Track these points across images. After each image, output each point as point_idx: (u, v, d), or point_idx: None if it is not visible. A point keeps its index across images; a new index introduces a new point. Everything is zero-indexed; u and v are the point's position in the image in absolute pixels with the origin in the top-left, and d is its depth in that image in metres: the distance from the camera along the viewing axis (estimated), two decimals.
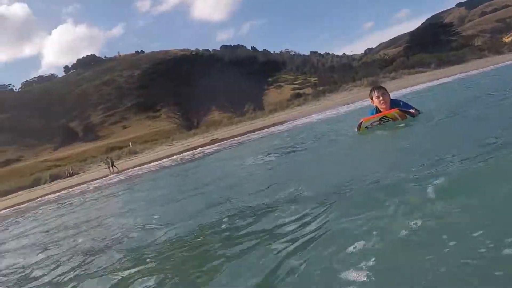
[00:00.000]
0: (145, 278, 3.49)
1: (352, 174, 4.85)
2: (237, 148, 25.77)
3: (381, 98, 8.53)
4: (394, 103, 8.54)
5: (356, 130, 8.51)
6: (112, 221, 7.74)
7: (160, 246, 4.45)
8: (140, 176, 26.55)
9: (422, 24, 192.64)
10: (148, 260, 4.03)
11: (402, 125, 7.80)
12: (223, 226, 4.38)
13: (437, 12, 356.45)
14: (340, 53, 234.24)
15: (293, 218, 3.78)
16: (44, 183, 63.79)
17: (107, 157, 60.03)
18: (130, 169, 44.23)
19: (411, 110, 8.19)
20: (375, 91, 8.69)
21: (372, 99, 8.70)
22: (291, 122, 47.19)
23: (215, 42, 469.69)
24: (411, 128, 7.47)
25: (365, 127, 8.34)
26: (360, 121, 8.37)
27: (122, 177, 31.64)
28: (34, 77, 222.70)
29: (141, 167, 42.95)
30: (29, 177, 72.33)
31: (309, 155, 9.18)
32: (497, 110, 7.35)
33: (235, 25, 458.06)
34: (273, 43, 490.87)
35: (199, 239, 4.27)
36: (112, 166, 52.67)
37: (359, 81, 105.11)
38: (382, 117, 8.18)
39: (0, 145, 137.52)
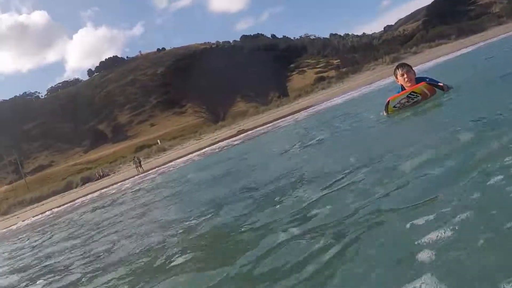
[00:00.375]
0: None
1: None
2: (262, 138, 25.81)
3: (405, 75, 8.09)
4: (420, 80, 8.01)
5: (384, 112, 7.98)
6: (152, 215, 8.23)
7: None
8: (170, 172, 26.56)
9: None
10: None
11: (434, 103, 7.37)
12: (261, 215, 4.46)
13: None
14: (359, 33, 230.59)
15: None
16: (76, 187, 64.39)
17: (134, 157, 60.36)
18: (159, 167, 44.21)
19: (440, 84, 7.78)
20: (399, 68, 8.27)
21: (396, 77, 8.31)
22: (315, 107, 46.85)
23: (235, 32, 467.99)
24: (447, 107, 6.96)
25: (393, 107, 7.83)
26: (387, 100, 7.85)
27: (152, 175, 31.52)
28: (59, 83, 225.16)
29: (170, 163, 43.01)
30: (61, 182, 73.09)
31: (331, 144, 8.87)
32: None
33: (254, 14, 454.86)
34: (292, 29, 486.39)
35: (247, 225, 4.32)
36: (139, 166, 52.71)
37: (381, 59, 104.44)
38: (410, 93, 7.70)
39: (32, 152, 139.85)
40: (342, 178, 4.53)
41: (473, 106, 5.99)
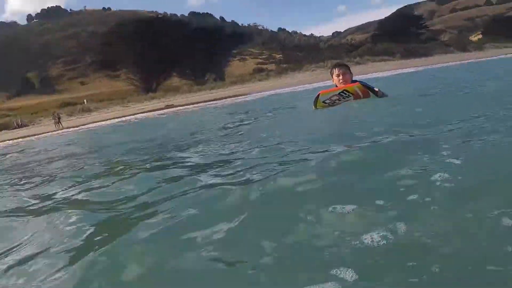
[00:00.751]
0: None
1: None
2: (189, 116, 26.30)
3: (341, 77, 7.89)
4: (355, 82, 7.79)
5: (313, 106, 7.74)
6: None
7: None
8: (89, 133, 26.81)
9: (392, 13, 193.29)
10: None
11: (365, 103, 7.39)
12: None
13: (409, 3, 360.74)
14: (308, 33, 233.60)
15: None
16: None
17: (54, 112, 59.22)
18: (78, 126, 44.17)
19: (376, 89, 7.56)
20: (336, 68, 8.09)
21: (332, 76, 8.11)
22: (248, 96, 47.75)
23: (184, 7, 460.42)
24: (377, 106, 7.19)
25: (323, 102, 7.61)
26: (317, 94, 7.68)
27: (72, 134, 31.16)
28: None
29: (91, 125, 43.13)
30: None
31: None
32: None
33: None
34: (242, 15, 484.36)
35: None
36: (58, 123, 51.97)
37: (323, 63, 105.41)
38: (342, 91, 7.49)
39: None
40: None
41: (398, 111, 6.47)
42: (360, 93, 7.42)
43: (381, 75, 48.53)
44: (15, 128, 63.65)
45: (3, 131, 61.07)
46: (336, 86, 7.87)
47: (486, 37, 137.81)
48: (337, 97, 7.48)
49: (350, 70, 8.15)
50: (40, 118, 71.36)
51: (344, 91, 7.44)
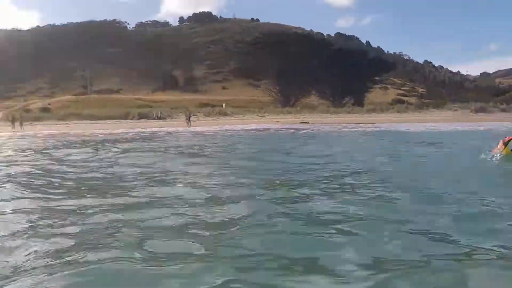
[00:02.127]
0: None
1: None
2: (321, 134, 27.24)
3: None
4: None
5: (498, 149, 7.43)
6: None
7: None
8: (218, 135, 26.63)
9: None
10: None
11: None
12: None
13: None
14: (454, 69, 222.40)
15: None
16: (132, 119, 65.95)
17: (187, 109, 60.71)
18: (211, 127, 45.17)
19: None
20: None
21: None
22: (384, 125, 46.55)
23: (332, 27, 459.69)
24: None
25: (511, 149, 7.26)
26: (508, 139, 7.40)
27: (208, 133, 31.92)
28: (149, 21, 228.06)
29: (224, 126, 43.68)
30: (120, 108, 74.67)
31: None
32: None
33: (357, 14, 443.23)
34: (387, 41, 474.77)
35: None
36: (188, 120, 53.08)
37: (467, 103, 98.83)
38: None
39: (106, 75, 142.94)
40: None
41: None
42: None
43: None
44: (154, 119, 66.30)
45: (143, 120, 64.05)
46: None
47: None
48: None
49: None
50: (179, 113, 73.35)
51: None
